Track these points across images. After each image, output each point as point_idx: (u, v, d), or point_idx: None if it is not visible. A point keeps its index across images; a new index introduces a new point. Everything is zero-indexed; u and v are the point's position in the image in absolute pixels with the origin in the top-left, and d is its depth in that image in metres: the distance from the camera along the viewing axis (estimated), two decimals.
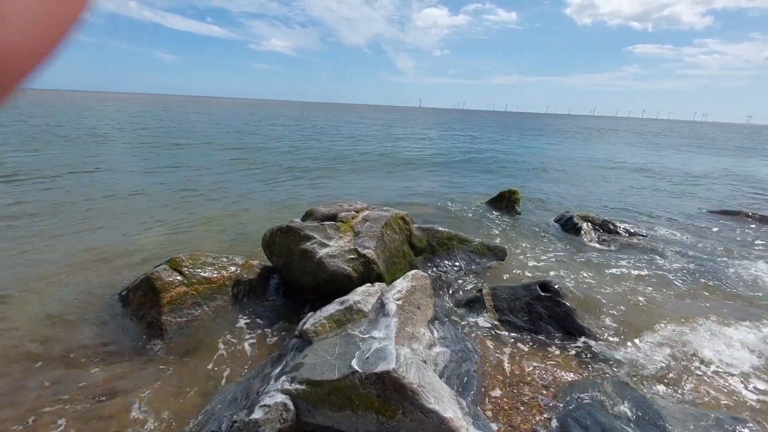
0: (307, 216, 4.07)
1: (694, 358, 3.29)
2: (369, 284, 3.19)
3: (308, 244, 3.56)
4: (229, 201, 7.79)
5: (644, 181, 12.95)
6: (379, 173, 12.12)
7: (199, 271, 3.51)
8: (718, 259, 5.76)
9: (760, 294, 4.58)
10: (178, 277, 3.38)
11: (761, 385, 3.00)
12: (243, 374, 2.87)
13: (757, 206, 9.47)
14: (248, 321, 3.52)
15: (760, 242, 6.68)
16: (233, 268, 3.69)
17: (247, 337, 3.36)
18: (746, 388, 2.98)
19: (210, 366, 2.99)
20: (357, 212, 4.06)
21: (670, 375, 3.09)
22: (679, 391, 2.92)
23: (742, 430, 2.52)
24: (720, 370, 3.16)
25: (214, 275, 3.55)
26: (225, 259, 3.73)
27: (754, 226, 7.69)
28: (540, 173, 13.56)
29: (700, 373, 3.12)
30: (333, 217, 3.93)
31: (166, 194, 8.06)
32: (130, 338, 3.24)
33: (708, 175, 15.02)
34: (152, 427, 2.38)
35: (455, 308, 3.97)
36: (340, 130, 29.21)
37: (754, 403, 2.83)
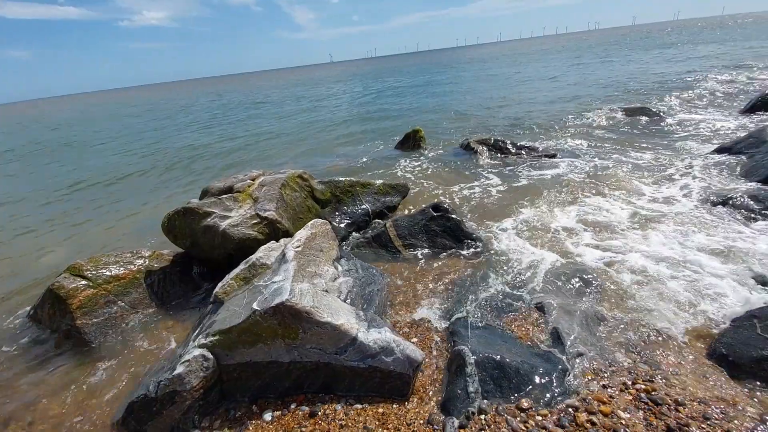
0: (204, 194, 4.14)
1: (555, 236, 4.13)
2: (273, 241, 3.47)
3: (209, 220, 3.69)
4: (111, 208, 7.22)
5: (544, 94, 14.20)
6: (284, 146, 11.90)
7: (104, 271, 3.53)
8: (599, 158, 6.84)
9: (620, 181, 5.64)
10: (83, 282, 3.39)
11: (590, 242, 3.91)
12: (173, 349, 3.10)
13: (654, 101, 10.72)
14: (170, 305, 3.67)
15: (644, 135, 7.97)
16: (140, 261, 3.74)
17: (171, 319, 3.53)
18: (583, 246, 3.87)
19: (142, 352, 3.16)
20: (253, 180, 4.21)
21: (533, 258, 3.89)
22: (539, 266, 3.72)
23: (584, 283, 3.33)
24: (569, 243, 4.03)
25: (122, 272, 3.59)
26: (129, 254, 3.75)
27: (644, 119, 8.86)
28: (444, 108, 14.21)
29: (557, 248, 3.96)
30: (229, 190, 4.05)
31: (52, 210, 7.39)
32: (51, 351, 3.26)
33: (602, 78, 16.80)
34: (94, 414, 2.57)
35: (365, 244, 4.42)
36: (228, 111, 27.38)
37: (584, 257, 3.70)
